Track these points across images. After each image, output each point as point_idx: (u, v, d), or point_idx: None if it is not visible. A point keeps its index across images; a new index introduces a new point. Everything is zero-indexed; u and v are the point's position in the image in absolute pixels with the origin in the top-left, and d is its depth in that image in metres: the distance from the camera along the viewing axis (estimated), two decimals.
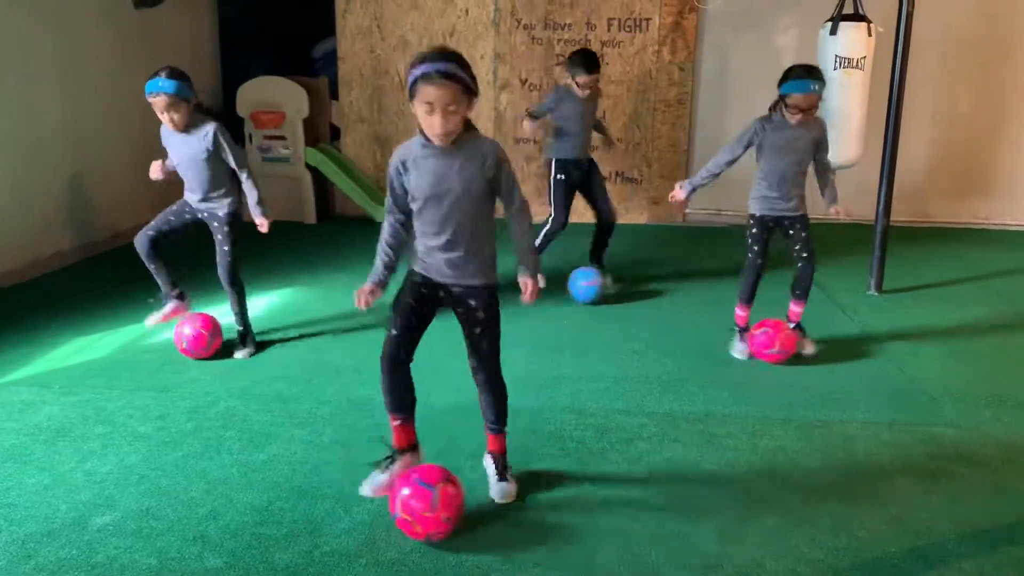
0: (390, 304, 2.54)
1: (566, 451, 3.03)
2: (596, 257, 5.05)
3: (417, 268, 2.54)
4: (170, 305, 4.07)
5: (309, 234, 6.67)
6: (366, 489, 2.59)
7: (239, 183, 3.85)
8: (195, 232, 3.96)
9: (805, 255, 3.85)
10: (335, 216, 7.25)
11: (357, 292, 2.50)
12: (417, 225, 2.49)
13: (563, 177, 4.83)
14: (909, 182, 6.75)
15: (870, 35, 5.10)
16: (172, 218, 3.89)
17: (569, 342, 4.19)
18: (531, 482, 2.79)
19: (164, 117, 3.66)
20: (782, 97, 3.64)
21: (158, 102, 3.60)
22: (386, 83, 7.12)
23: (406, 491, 2.38)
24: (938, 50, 6.76)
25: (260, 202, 3.81)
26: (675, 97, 7.04)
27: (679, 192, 3.91)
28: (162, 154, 3.89)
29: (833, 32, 5.12)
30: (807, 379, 3.73)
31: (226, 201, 3.83)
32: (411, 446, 2.65)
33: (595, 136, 5.08)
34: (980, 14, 6.80)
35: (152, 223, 3.90)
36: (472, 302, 2.50)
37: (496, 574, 2.31)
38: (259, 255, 5.59)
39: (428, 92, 2.26)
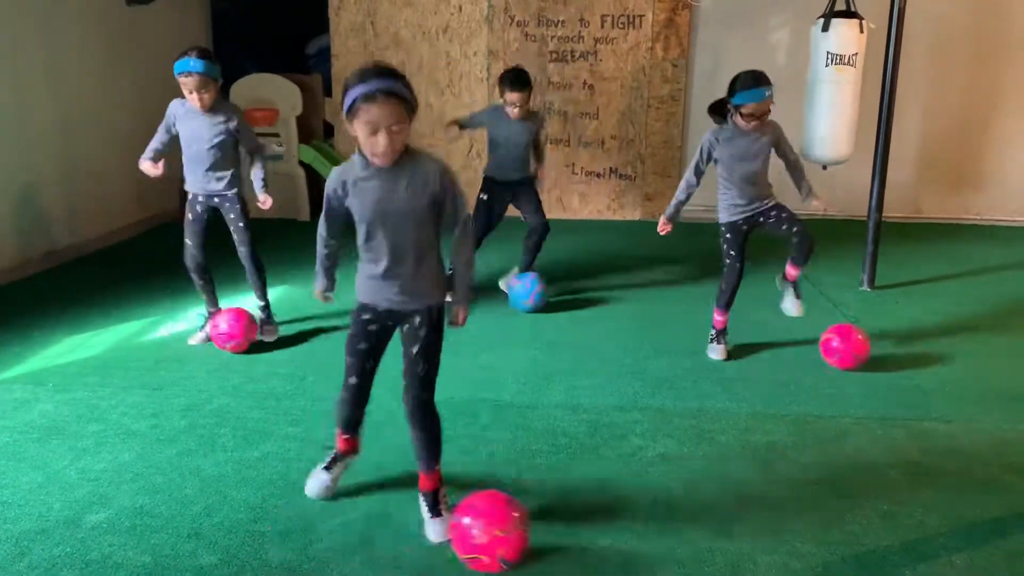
0: (345, 342, 2.48)
1: (559, 447, 3.04)
2: (524, 261, 4.80)
3: (364, 300, 2.44)
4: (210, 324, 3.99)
5: (303, 231, 6.65)
6: (312, 490, 2.63)
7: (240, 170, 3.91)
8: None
9: (796, 229, 3.74)
10: None
11: (317, 295, 2.61)
12: (362, 251, 2.40)
13: (486, 197, 4.66)
14: (901, 178, 6.79)
15: (862, 31, 5.11)
16: (197, 226, 3.88)
17: (562, 339, 4.20)
18: (524, 477, 2.80)
19: (193, 97, 3.67)
20: (735, 107, 3.57)
21: (189, 82, 3.62)
22: None
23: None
24: (929, 46, 6.79)
25: (265, 182, 3.93)
26: (668, 94, 7.05)
27: (664, 226, 3.82)
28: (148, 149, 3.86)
29: (825, 29, 5.13)
30: (799, 375, 3.74)
31: (235, 184, 3.89)
32: (354, 450, 2.69)
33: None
34: (971, 10, 6.82)
35: (189, 241, 3.89)
36: (417, 319, 2.39)
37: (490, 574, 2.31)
38: None
39: (371, 112, 2.15)
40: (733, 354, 3.96)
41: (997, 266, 5.75)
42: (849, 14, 5.11)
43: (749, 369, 3.82)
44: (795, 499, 2.70)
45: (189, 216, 3.90)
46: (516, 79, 4.49)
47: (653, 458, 2.96)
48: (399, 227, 2.31)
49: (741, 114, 3.57)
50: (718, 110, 3.75)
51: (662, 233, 3.83)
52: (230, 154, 3.87)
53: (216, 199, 3.88)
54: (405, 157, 2.29)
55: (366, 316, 2.43)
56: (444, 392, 3.40)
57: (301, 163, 6.86)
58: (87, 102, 5.85)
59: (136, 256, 5.77)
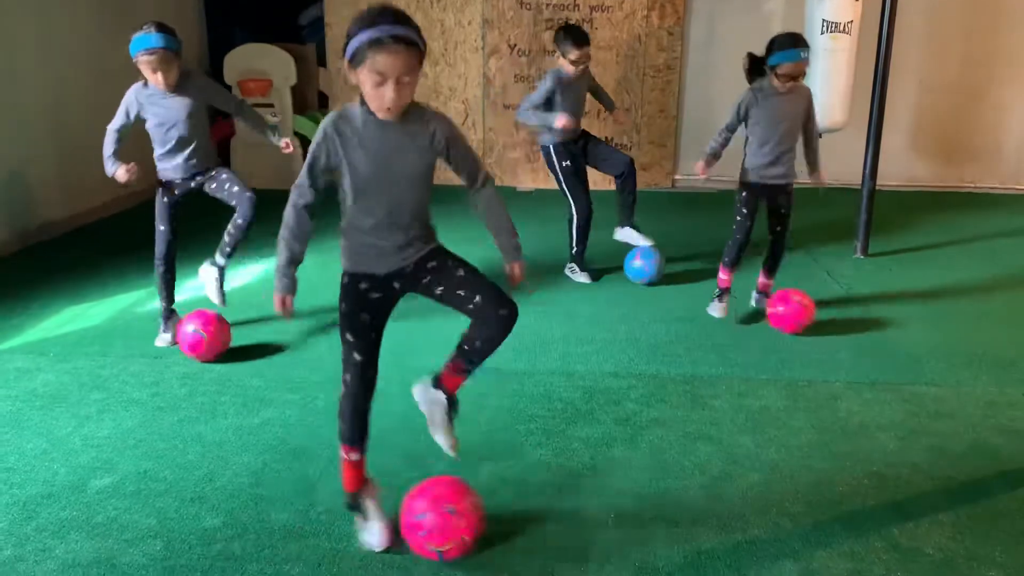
0: (339, 324, 2.21)
1: (554, 411, 3.08)
2: (625, 218, 4.70)
3: (359, 268, 2.21)
4: (173, 323, 3.76)
5: None
6: (374, 543, 2.27)
7: (221, 154, 3.82)
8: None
9: (779, 228, 3.92)
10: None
11: (278, 310, 2.23)
12: (354, 213, 2.19)
13: (568, 163, 4.47)
14: (895, 146, 6.80)
15: None
16: (173, 210, 3.66)
17: (557, 306, 4.23)
18: (521, 441, 2.86)
19: (157, 77, 3.37)
20: (772, 68, 3.68)
21: (152, 60, 3.32)
22: None
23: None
24: (924, 14, 6.77)
25: (274, 128, 3.67)
26: (664, 62, 7.03)
27: (701, 167, 3.91)
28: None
29: None
30: (792, 341, 3.79)
31: (215, 156, 3.78)
32: (367, 481, 2.35)
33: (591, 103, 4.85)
34: None
35: (162, 229, 3.65)
36: (435, 262, 2.24)
37: (487, 531, 2.36)
38: None
39: (381, 61, 1.95)
40: (727, 320, 4.01)
41: (990, 234, 5.79)
42: None
43: (743, 335, 3.87)
44: (786, 461, 2.76)
45: (164, 200, 3.61)
46: (579, 34, 4.31)
47: (648, 422, 3.02)
48: (402, 185, 2.15)
49: (777, 75, 3.68)
50: (755, 69, 3.79)
51: (701, 175, 3.94)
52: (206, 126, 3.64)
53: (199, 177, 3.64)
54: (410, 110, 2.11)
55: (364, 285, 2.20)
56: (440, 360, 3.45)
57: (296, 134, 6.84)
58: (79, 74, 5.81)
59: (132, 228, 5.77)
